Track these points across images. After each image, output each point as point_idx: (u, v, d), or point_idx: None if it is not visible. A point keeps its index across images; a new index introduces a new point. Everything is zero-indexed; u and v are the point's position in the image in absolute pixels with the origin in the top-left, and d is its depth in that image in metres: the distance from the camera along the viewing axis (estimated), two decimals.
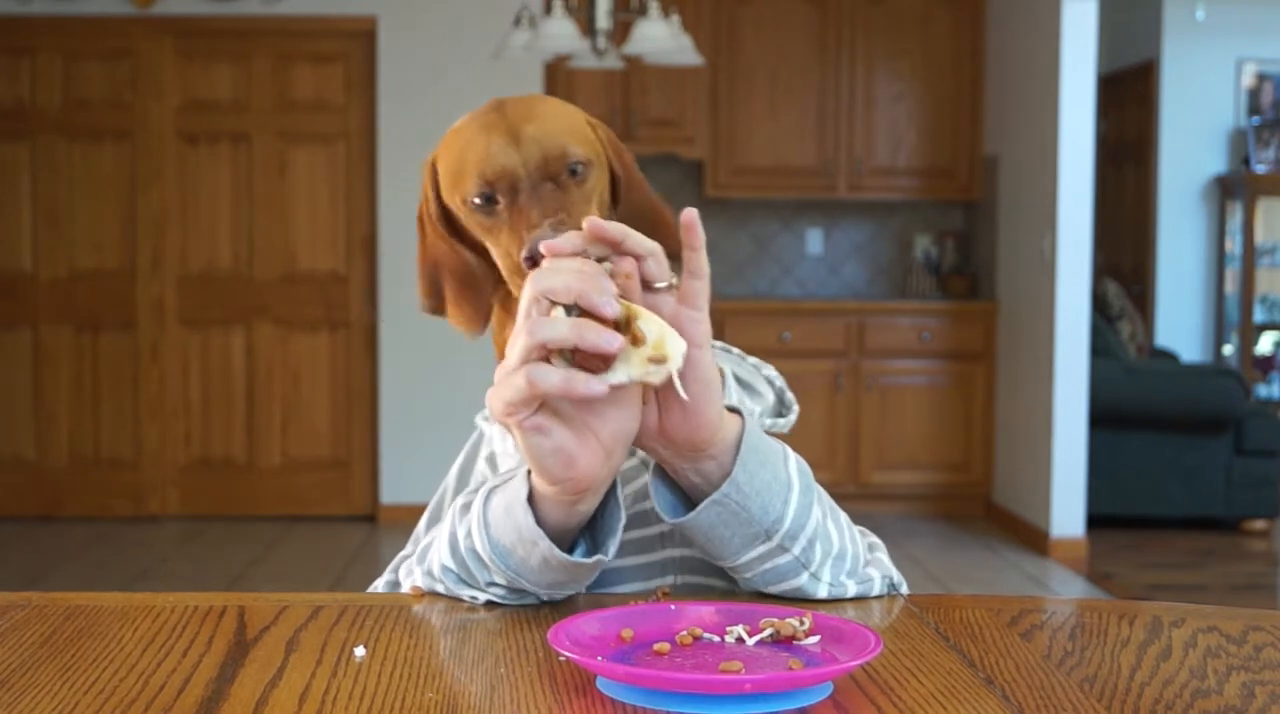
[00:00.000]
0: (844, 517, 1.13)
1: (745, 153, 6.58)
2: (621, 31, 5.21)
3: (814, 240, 7.02)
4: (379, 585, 1.25)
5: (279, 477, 6.23)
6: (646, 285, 0.95)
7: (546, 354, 0.91)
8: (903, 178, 6.68)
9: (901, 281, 6.99)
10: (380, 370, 6.15)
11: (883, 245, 7.05)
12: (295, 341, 6.20)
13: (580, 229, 0.95)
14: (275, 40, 6.11)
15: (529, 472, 1.01)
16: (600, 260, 0.95)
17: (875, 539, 1.19)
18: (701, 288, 0.97)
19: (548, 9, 5.23)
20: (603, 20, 4.62)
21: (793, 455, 1.07)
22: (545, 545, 1.00)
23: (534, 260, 1.00)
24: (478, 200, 1.11)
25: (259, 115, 6.13)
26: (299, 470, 6.23)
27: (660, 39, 4.51)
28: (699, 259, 0.96)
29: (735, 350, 1.31)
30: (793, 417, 1.25)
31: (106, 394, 6.19)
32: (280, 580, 5.07)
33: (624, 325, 0.92)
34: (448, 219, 1.19)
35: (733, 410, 1.04)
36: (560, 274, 0.91)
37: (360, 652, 0.95)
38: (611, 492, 1.04)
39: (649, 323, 0.92)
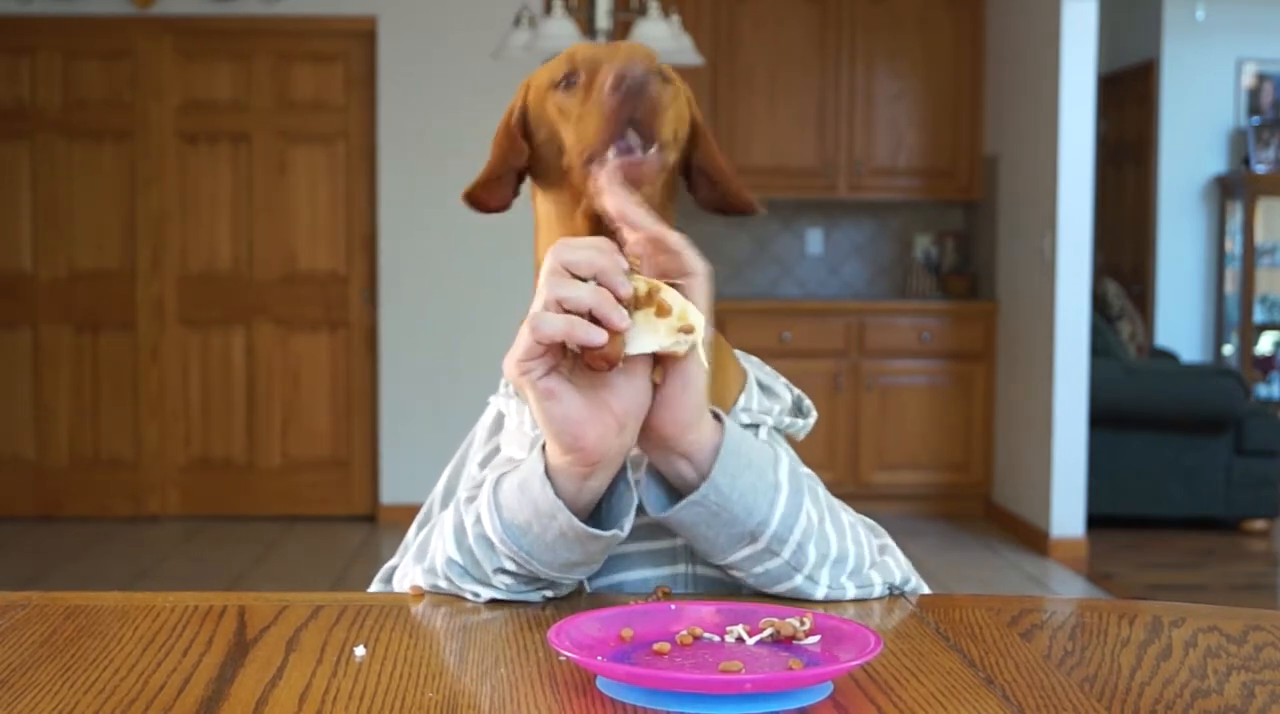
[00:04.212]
0: (847, 518, 1.13)
1: (745, 153, 6.58)
2: (621, 31, 5.21)
3: (814, 240, 7.02)
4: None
5: (279, 477, 6.23)
6: (666, 276, 0.99)
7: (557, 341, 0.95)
8: (903, 178, 6.68)
9: (901, 281, 6.98)
10: (380, 370, 6.15)
11: (883, 245, 7.04)
12: (295, 341, 6.20)
13: (653, 139, 1.07)
14: (275, 40, 6.11)
15: (543, 448, 1.02)
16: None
17: (889, 541, 1.19)
18: (699, 286, 0.99)
19: (548, 9, 5.23)
20: (603, 20, 4.62)
21: (785, 460, 1.08)
22: (565, 517, 1.01)
23: (621, 78, 1.07)
24: (561, 81, 1.15)
25: (259, 115, 6.13)
26: (299, 470, 6.23)
27: (660, 39, 4.51)
28: (691, 258, 1.00)
29: (755, 358, 1.32)
30: (811, 421, 1.27)
31: (106, 394, 6.19)
32: (280, 580, 5.07)
33: (646, 297, 0.96)
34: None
35: (717, 417, 1.05)
36: (582, 250, 0.96)
37: (360, 652, 0.95)
38: (621, 474, 1.05)
39: (670, 294, 0.96)
